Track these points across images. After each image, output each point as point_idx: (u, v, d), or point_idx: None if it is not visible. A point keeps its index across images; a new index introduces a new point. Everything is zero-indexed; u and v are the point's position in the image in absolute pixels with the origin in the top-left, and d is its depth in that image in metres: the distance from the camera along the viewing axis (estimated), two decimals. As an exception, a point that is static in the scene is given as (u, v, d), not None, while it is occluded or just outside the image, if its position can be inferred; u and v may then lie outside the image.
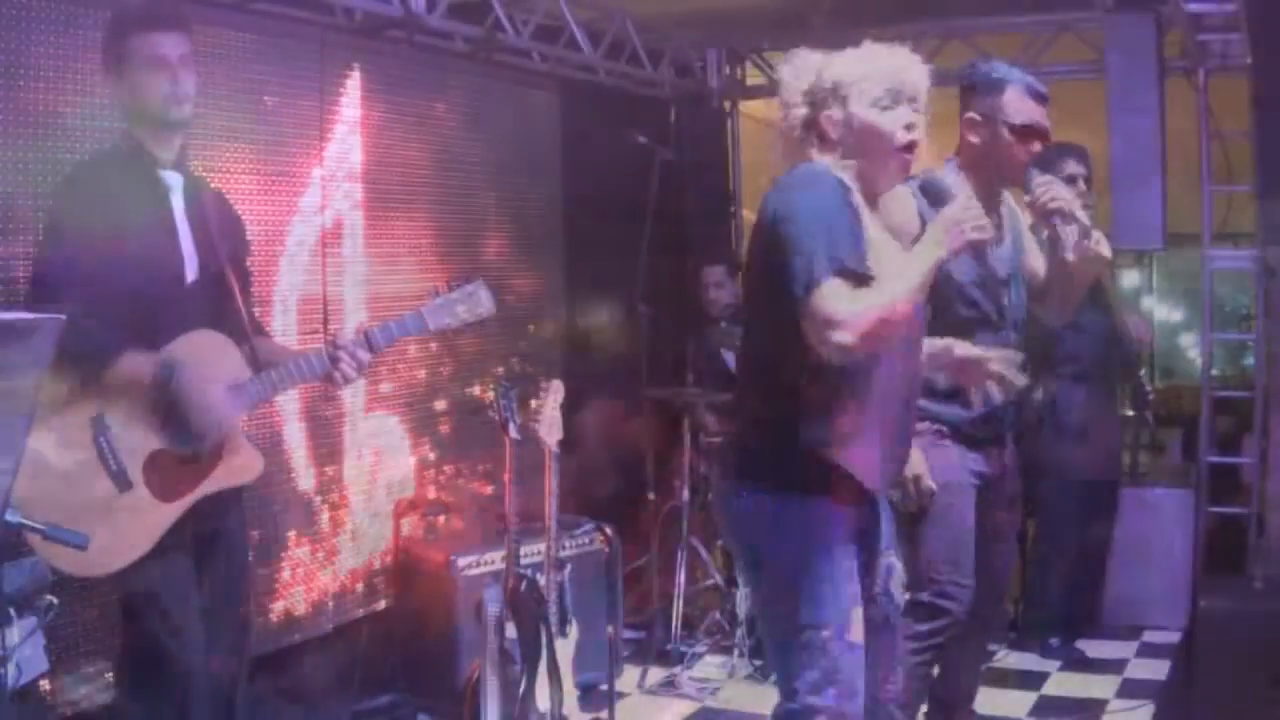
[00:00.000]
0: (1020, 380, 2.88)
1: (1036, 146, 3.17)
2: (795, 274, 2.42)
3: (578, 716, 3.69)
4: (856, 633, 2.55)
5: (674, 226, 6.08)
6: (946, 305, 3.03)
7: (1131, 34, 5.00)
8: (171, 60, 2.85)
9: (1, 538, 1.98)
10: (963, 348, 2.87)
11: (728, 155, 6.50)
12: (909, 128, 2.54)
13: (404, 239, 4.65)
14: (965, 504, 3.25)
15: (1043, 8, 5.47)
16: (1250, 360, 6.43)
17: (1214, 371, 5.87)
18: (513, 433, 3.60)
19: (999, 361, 2.86)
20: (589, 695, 4.18)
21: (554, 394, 3.73)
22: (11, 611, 2.08)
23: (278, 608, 4.11)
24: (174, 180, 2.94)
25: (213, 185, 3.32)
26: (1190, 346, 8.50)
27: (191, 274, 2.93)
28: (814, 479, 2.52)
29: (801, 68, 2.62)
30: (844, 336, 2.38)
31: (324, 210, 4.28)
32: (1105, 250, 3.11)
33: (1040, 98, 3.17)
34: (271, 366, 2.95)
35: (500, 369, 5.09)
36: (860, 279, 2.42)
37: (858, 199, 2.54)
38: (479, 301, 3.12)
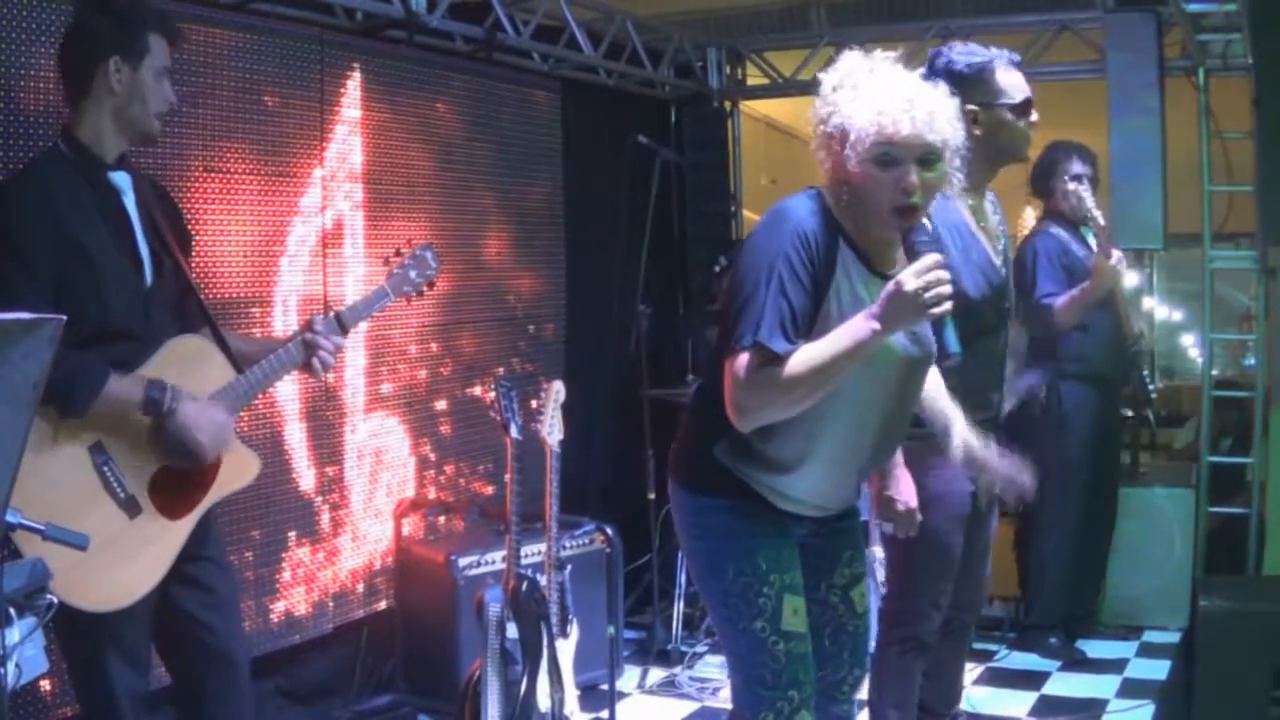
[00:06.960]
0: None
1: (1034, 116, 3.13)
2: (731, 330, 2.34)
3: (578, 716, 3.69)
4: (791, 621, 2.49)
5: (674, 226, 6.10)
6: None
7: (1131, 34, 4.99)
8: (170, 71, 2.82)
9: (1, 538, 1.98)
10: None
11: (728, 155, 6.49)
12: (905, 191, 2.25)
13: (404, 239, 4.63)
14: (955, 524, 3.20)
15: (1043, 8, 5.48)
16: (1250, 360, 6.43)
17: (1214, 371, 5.86)
18: (513, 433, 3.60)
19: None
20: (589, 695, 4.18)
21: (554, 394, 3.74)
22: (11, 611, 2.07)
23: (278, 608, 4.11)
24: (123, 180, 2.83)
25: (147, 174, 3.14)
26: (1190, 346, 8.50)
27: (150, 276, 2.84)
28: (736, 493, 2.50)
29: (831, 82, 2.36)
30: (738, 421, 2.34)
31: (324, 210, 4.27)
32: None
33: (1018, 65, 3.14)
34: (251, 363, 2.91)
35: (500, 369, 5.09)
36: (773, 359, 2.26)
37: (838, 248, 2.34)
38: (426, 263, 3.29)
